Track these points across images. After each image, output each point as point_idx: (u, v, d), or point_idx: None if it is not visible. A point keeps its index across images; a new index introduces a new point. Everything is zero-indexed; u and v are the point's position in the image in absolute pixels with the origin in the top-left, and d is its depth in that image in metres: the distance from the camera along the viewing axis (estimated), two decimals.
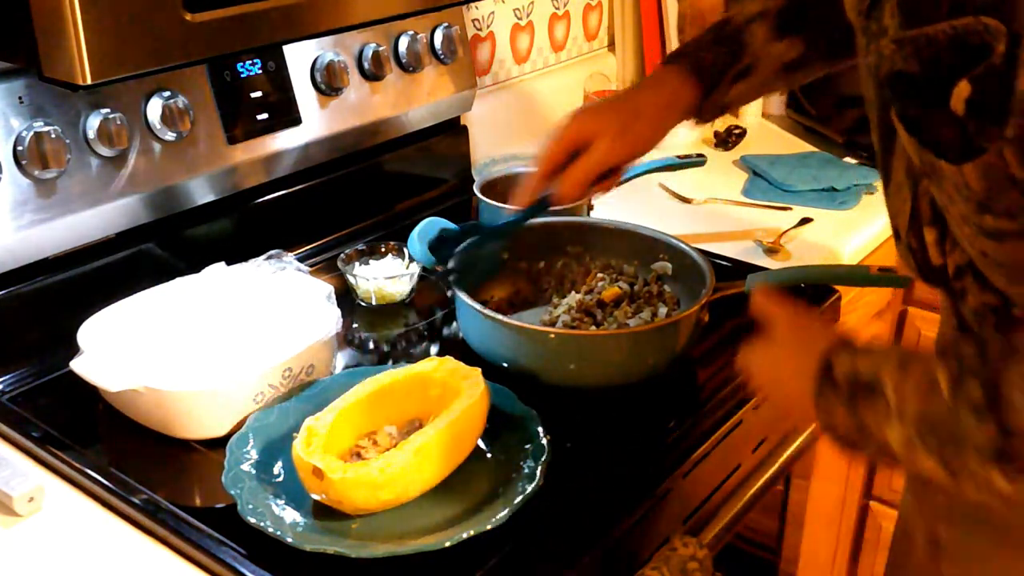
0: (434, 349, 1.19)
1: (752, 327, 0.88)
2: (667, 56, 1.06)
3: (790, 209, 1.54)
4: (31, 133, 1.03)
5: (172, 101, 1.14)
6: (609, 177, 1.04)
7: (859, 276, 1.23)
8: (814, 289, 1.24)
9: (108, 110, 1.09)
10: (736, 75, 1.03)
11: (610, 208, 1.43)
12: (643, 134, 1.01)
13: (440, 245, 1.16)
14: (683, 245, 1.18)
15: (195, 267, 1.14)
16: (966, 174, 0.66)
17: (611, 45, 2.04)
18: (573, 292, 1.21)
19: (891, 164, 0.80)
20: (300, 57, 1.30)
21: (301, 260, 1.24)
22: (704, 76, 1.02)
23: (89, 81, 0.84)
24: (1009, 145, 0.62)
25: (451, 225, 1.26)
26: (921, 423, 0.71)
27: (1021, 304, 0.74)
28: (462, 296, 1.06)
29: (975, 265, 0.75)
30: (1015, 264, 0.71)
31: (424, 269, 1.24)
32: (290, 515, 0.86)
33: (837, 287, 1.26)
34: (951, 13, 0.63)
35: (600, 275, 1.22)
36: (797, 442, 1.09)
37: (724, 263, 1.32)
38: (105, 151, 1.10)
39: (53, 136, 1.04)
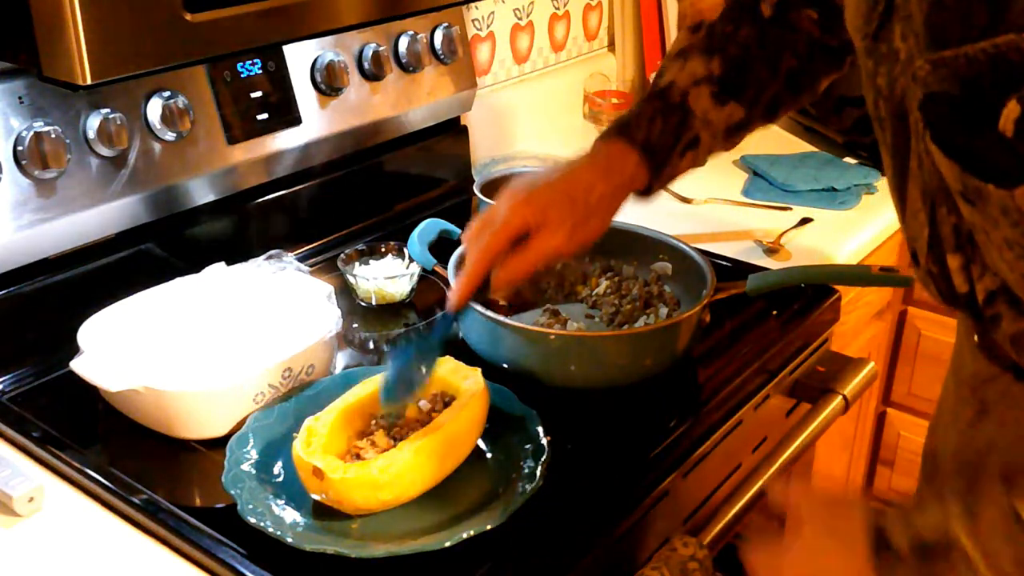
0: None
1: (751, 327, 0.88)
2: (612, 128, 1.01)
3: (790, 209, 1.54)
4: (31, 133, 1.03)
5: (172, 101, 1.14)
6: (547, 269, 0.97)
7: (860, 276, 1.23)
8: (814, 289, 1.24)
9: (108, 110, 1.09)
10: (685, 147, 1.01)
11: None
12: (595, 230, 0.97)
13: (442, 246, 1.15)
14: (683, 245, 1.19)
15: (195, 267, 1.14)
16: (1018, 198, 0.63)
17: (611, 45, 2.04)
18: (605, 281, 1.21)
19: (906, 188, 0.77)
20: (300, 57, 1.30)
21: (301, 260, 1.24)
22: (655, 155, 0.99)
23: (89, 81, 0.84)
24: None
25: (451, 226, 1.26)
26: (1017, 566, 0.65)
27: None
28: None
29: (1010, 290, 0.71)
30: None
31: (424, 270, 1.24)
32: (290, 515, 0.86)
33: (837, 287, 1.26)
34: (985, 32, 0.60)
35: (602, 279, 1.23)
36: (797, 442, 1.09)
37: (724, 263, 1.32)
38: (105, 151, 1.10)
39: (53, 136, 1.04)
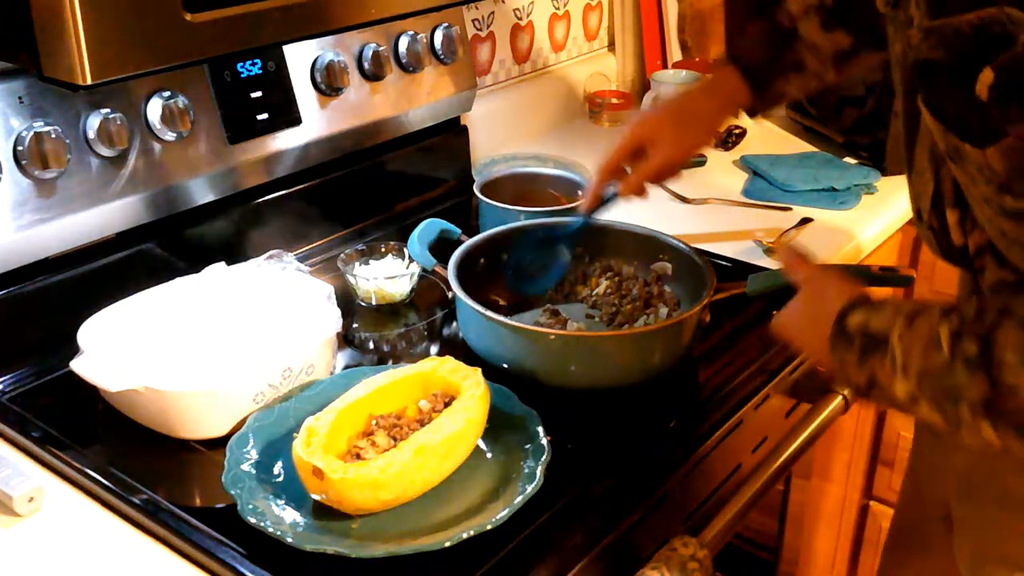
0: (434, 349, 1.19)
1: (751, 327, 0.89)
2: (722, 57, 1.11)
3: (790, 209, 1.54)
4: (31, 133, 1.03)
5: (172, 101, 1.14)
6: (666, 175, 1.09)
7: (860, 276, 1.22)
8: None
9: (108, 110, 1.09)
10: (788, 69, 1.08)
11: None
12: (697, 137, 1.08)
13: (443, 247, 1.17)
14: (683, 245, 1.19)
15: (195, 267, 1.14)
16: (989, 157, 0.70)
17: (611, 45, 2.04)
18: (604, 280, 1.22)
19: (915, 149, 0.86)
20: (300, 57, 1.30)
21: (301, 260, 1.24)
22: (755, 74, 1.07)
23: (89, 81, 0.84)
24: None
25: (451, 226, 1.26)
26: (923, 377, 0.76)
27: None
28: (462, 297, 1.06)
29: (994, 245, 0.79)
30: None
31: (424, 270, 1.24)
32: (290, 515, 0.86)
33: None
34: (976, 4, 0.66)
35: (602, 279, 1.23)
36: (797, 442, 1.09)
37: (724, 263, 1.32)
38: (105, 151, 1.10)
39: (53, 136, 1.04)
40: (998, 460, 0.90)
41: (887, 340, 0.78)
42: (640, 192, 1.09)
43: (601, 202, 1.12)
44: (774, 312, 0.95)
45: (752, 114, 1.11)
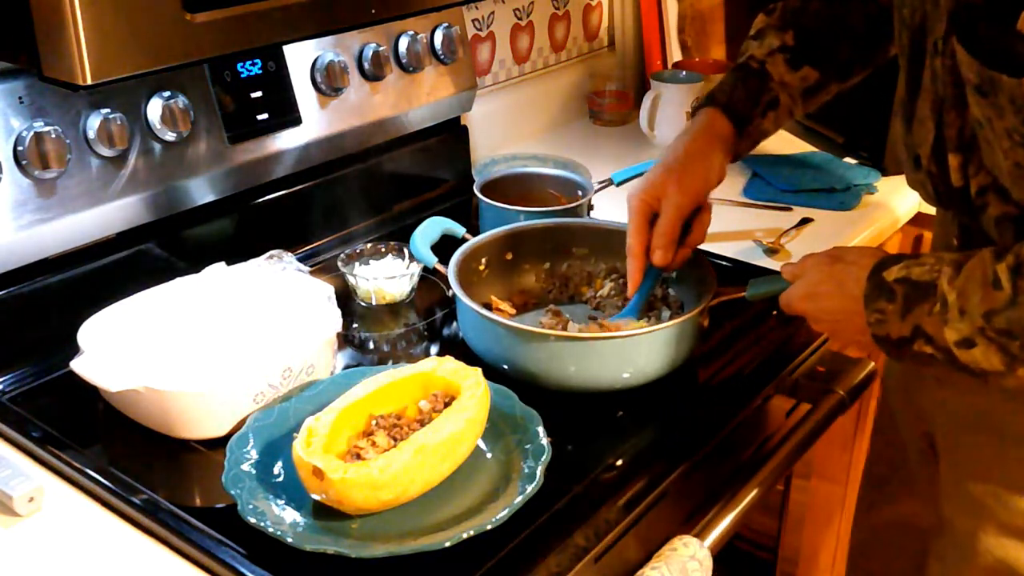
0: (434, 349, 1.19)
1: (751, 327, 0.89)
2: (702, 99, 1.16)
3: (790, 209, 1.54)
4: (31, 133, 1.03)
5: (172, 101, 1.14)
6: (695, 220, 1.10)
7: None
8: None
9: (108, 110, 1.09)
10: (765, 107, 1.13)
11: (611, 209, 1.43)
12: (699, 180, 1.09)
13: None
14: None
15: (195, 267, 1.14)
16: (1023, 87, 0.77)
17: (611, 45, 2.04)
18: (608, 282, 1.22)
19: (916, 102, 0.93)
20: (300, 57, 1.30)
21: (301, 260, 1.24)
22: (737, 113, 1.12)
23: (89, 81, 0.84)
24: None
25: (455, 225, 1.27)
26: (984, 316, 0.80)
27: None
28: (462, 297, 1.06)
29: (998, 184, 0.86)
30: None
31: (425, 268, 1.24)
32: (290, 515, 0.86)
33: None
34: None
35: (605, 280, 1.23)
36: (797, 442, 1.09)
37: (724, 263, 1.32)
38: (105, 151, 1.10)
39: (53, 136, 1.04)
40: (991, 391, 0.94)
41: (935, 287, 0.82)
42: (672, 252, 1.09)
43: (647, 283, 1.11)
44: (774, 312, 0.96)
45: (735, 158, 1.15)
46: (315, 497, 0.86)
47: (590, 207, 1.40)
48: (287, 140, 1.30)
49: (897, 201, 1.57)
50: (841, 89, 1.18)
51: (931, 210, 1.05)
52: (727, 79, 1.14)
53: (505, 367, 1.05)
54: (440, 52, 1.47)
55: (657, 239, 1.08)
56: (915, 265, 0.86)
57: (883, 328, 0.87)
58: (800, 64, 1.13)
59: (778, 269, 1.04)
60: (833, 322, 0.96)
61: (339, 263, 1.27)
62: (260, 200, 1.32)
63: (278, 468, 0.92)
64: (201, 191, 1.22)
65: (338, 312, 1.06)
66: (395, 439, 0.90)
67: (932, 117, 0.91)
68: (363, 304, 1.26)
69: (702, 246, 1.13)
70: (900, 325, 0.85)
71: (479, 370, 0.96)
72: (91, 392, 0.99)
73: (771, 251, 1.41)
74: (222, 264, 1.14)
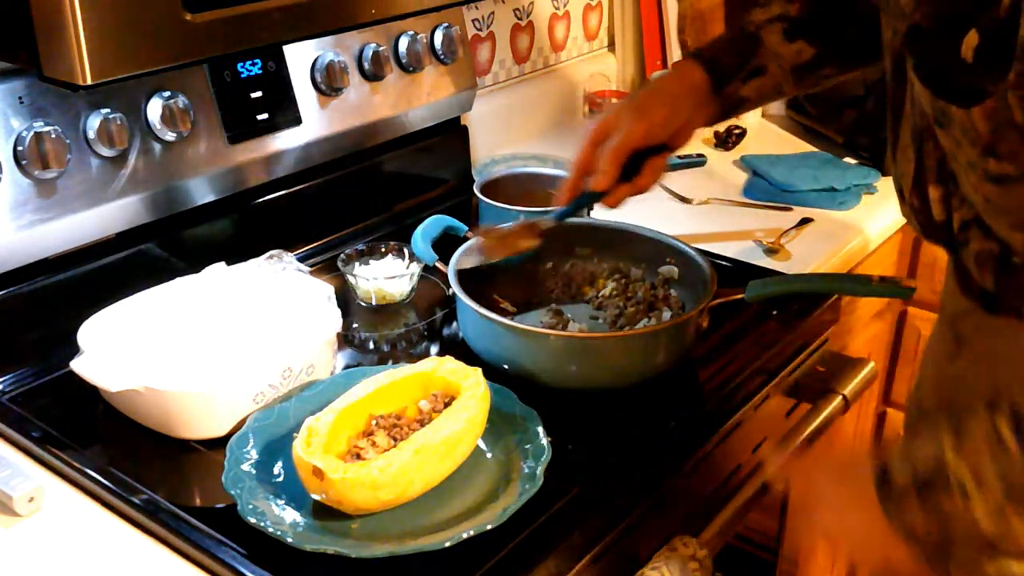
0: (434, 349, 1.19)
1: (751, 327, 0.89)
2: (685, 53, 1.11)
3: (790, 209, 1.54)
4: (31, 133, 1.03)
5: (172, 101, 1.14)
6: (647, 162, 1.07)
7: (860, 286, 1.22)
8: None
9: (108, 110, 1.09)
10: (749, 73, 1.08)
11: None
12: (659, 114, 1.05)
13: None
14: (690, 250, 1.18)
15: (195, 267, 1.14)
16: (974, 118, 0.72)
17: (611, 45, 2.04)
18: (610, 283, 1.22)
19: (900, 129, 0.88)
20: (300, 57, 1.30)
21: (301, 260, 1.24)
22: (716, 70, 1.07)
23: (89, 81, 0.84)
24: (1012, 91, 0.68)
25: (457, 223, 1.26)
26: (1002, 482, 0.71)
27: (1020, 252, 0.78)
28: (462, 297, 1.06)
29: (980, 218, 0.80)
30: (1016, 210, 0.76)
31: (425, 268, 1.24)
32: (290, 515, 0.86)
33: None
34: None
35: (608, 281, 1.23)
36: (797, 442, 1.09)
37: (724, 263, 1.32)
38: (105, 151, 1.10)
39: (53, 136, 1.04)
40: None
41: (942, 468, 0.74)
42: (612, 177, 1.05)
43: (578, 200, 1.09)
44: (774, 312, 0.93)
45: (711, 121, 1.11)
46: (315, 497, 0.86)
47: (591, 207, 1.40)
48: (287, 140, 1.30)
49: (897, 201, 1.57)
50: (837, 75, 1.13)
51: None
52: (718, 37, 1.11)
53: (505, 367, 1.05)
54: (440, 52, 1.47)
55: (597, 161, 1.05)
56: (912, 447, 0.78)
57: (911, 534, 0.77)
58: (796, 36, 1.08)
59: (778, 269, 1.05)
60: (867, 549, 0.85)
61: (339, 263, 1.27)
62: (260, 200, 1.32)
63: (278, 468, 0.92)
64: (201, 191, 1.22)
65: (338, 312, 1.06)
66: (395, 439, 0.90)
67: (912, 145, 0.86)
68: (363, 304, 1.26)
69: (702, 245, 1.13)
70: (926, 521, 0.76)
71: (479, 370, 0.96)
72: (91, 392, 0.99)
73: (771, 251, 1.41)
74: (222, 264, 1.14)
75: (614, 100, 1.91)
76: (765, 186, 1.62)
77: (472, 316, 1.06)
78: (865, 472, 0.80)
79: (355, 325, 1.22)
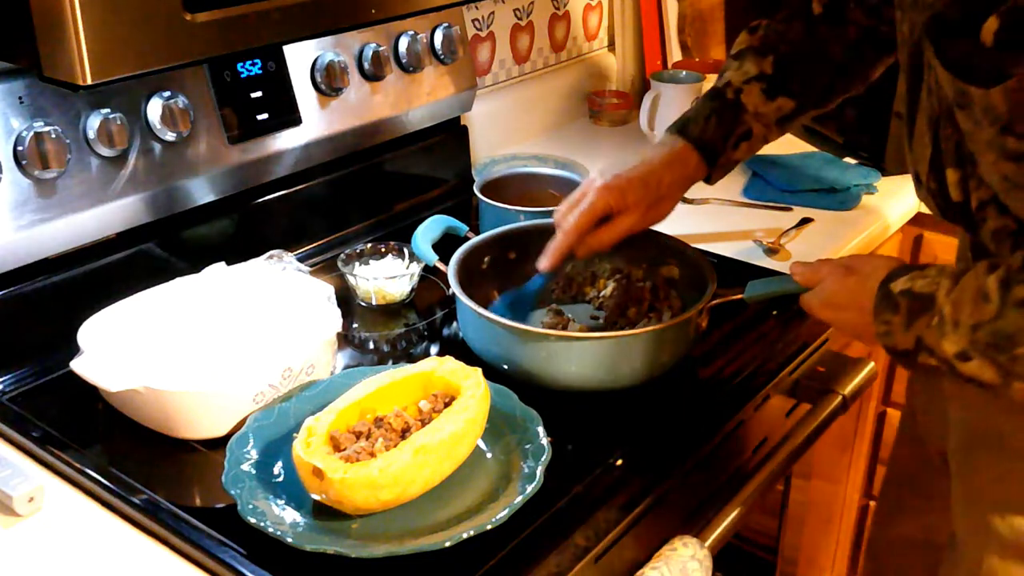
0: (434, 349, 1.19)
1: (751, 327, 0.89)
2: (676, 124, 1.16)
3: (790, 209, 1.54)
4: (31, 133, 1.03)
5: (172, 101, 1.14)
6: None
7: None
8: None
9: (108, 110, 1.09)
10: (738, 139, 1.15)
11: None
12: (664, 210, 1.14)
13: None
14: (690, 250, 1.18)
15: (195, 267, 1.14)
16: (992, 98, 0.77)
17: (611, 45, 2.04)
18: (610, 283, 1.22)
19: (916, 118, 0.93)
20: (300, 57, 1.30)
21: (301, 260, 1.24)
22: (709, 149, 1.14)
23: (89, 81, 0.84)
24: None
25: (457, 223, 1.26)
26: (974, 329, 0.81)
27: None
28: (462, 297, 1.06)
29: (998, 198, 0.85)
30: None
31: (425, 268, 1.24)
32: (290, 515, 0.86)
33: None
34: None
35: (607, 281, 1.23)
36: (797, 442, 1.09)
37: (724, 263, 1.32)
38: (105, 151, 1.10)
39: (53, 136, 1.04)
40: (993, 406, 0.94)
41: (934, 299, 0.83)
42: (597, 252, 1.13)
43: (564, 262, 1.13)
44: (774, 312, 0.95)
45: (710, 182, 1.17)
46: (315, 497, 0.87)
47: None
48: (287, 140, 1.30)
49: (897, 201, 1.57)
50: (816, 114, 1.19)
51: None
52: (702, 108, 1.15)
53: (505, 367, 1.05)
54: (440, 52, 1.47)
55: (598, 240, 1.10)
56: (919, 277, 0.87)
57: (890, 340, 0.88)
58: (776, 95, 1.14)
59: (778, 269, 1.05)
60: (854, 334, 1.00)
61: (339, 263, 1.27)
62: (260, 200, 1.32)
63: (278, 468, 0.92)
64: (201, 191, 1.22)
65: (338, 312, 1.06)
66: (395, 439, 0.90)
67: (929, 132, 0.91)
68: (363, 304, 1.26)
69: (702, 245, 1.13)
70: (904, 337, 0.86)
71: (479, 370, 0.96)
72: (91, 392, 0.99)
73: (771, 251, 1.41)
74: (222, 264, 1.14)
75: (614, 100, 1.92)
76: (765, 186, 1.62)
77: (472, 316, 1.06)
78: (871, 283, 0.89)
79: (355, 325, 1.22)
